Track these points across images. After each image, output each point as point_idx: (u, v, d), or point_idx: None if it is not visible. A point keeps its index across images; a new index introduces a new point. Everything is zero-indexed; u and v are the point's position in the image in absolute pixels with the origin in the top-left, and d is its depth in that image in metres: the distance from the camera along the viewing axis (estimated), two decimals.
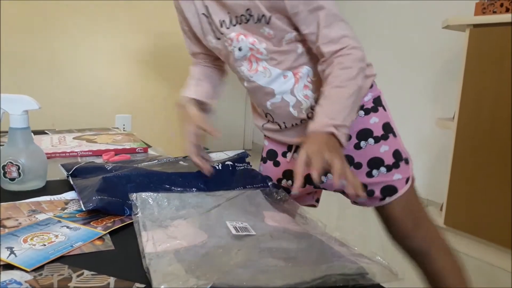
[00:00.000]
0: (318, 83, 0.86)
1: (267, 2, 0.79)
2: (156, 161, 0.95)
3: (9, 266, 0.52)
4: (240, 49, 0.86)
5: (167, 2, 2.35)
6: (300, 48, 0.85)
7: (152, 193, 0.71)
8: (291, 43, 0.84)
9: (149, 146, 1.22)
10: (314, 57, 0.85)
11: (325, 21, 0.78)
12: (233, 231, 0.63)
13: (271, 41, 0.83)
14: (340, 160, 0.67)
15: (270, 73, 0.86)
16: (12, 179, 0.81)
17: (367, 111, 0.92)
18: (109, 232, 0.63)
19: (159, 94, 2.44)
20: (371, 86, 0.94)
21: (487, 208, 1.81)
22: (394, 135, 0.94)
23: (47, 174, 0.87)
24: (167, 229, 0.62)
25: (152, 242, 0.57)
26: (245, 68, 0.88)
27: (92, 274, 0.51)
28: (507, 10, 1.66)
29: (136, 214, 0.66)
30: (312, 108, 0.88)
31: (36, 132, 1.15)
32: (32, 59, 2.09)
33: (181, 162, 0.95)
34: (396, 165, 0.92)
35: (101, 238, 0.61)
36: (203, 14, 0.87)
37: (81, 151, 1.12)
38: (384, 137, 0.92)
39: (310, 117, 0.88)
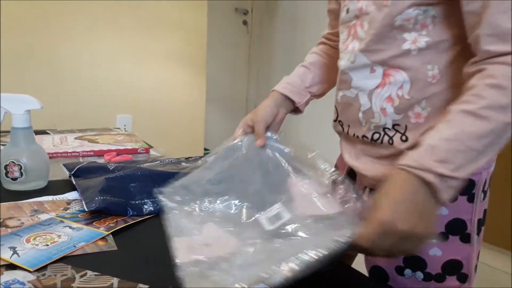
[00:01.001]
0: (408, 104, 0.65)
1: None
2: (159, 162, 0.95)
3: (12, 266, 0.52)
4: (347, 11, 0.70)
5: (168, 3, 2.35)
6: (415, 43, 0.62)
7: (174, 187, 0.67)
8: (409, 25, 0.61)
9: (151, 147, 1.22)
10: (422, 72, 0.63)
11: (501, 3, 0.52)
12: (266, 226, 0.61)
13: (383, 10, 0.62)
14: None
15: (355, 58, 0.67)
16: (14, 179, 0.81)
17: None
18: (112, 233, 0.63)
19: (159, 95, 2.45)
20: None
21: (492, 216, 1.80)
22: (467, 240, 0.68)
23: (49, 174, 0.87)
24: (199, 234, 0.59)
25: (185, 249, 0.54)
26: (342, 37, 0.72)
27: (96, 275, 0.51)
28: None
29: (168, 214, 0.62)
30: (384, 130, 0.68)
31: (38, 132, 1.15)
32: (33, 58, 2.09)
33: (183, 163, 0.94)
34: (440, 278, 0.68)
35: (104, 238, 0.61)
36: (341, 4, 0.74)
37: (83, 151, 1.12)
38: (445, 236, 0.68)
39: (375, 140, 0.69)
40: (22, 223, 0.65)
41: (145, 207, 0.71)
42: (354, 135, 0.73)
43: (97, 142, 1.23)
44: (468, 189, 0.67)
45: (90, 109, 2.24)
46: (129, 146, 1.20)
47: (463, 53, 0.62)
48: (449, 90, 0.64)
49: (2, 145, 1.05)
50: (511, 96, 0.52)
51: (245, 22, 3.60)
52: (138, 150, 1.18)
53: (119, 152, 1.14)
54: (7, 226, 0.63)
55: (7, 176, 0.81)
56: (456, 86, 0.63)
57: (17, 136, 0.83)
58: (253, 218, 0.64)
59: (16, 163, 0.81)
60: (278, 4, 3.43)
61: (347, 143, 0.77)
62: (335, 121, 0.78)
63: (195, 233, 0.59)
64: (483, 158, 0.53)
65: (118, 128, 1.61)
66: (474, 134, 0.52)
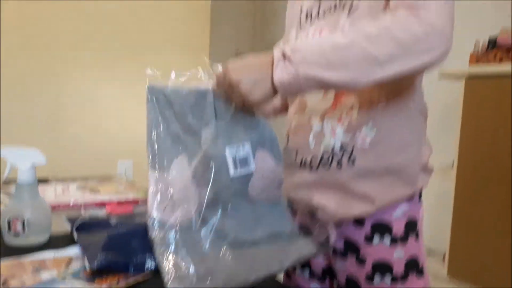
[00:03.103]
0: (356, 125, 0.72)
1: None
2: None
3: None
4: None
5: (169, 51, 2.42)
6: None
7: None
8: None
9: None
10: (369, 95, 0.71)
11: None
12: (231, 169, 0.67)
13: None
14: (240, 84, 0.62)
15: None
16: (17, 234, 0.82)
17: (394, 240, 0.74)
18: None
19: None
20: (412, 198, 0.75)
21: (491, 257, 1.79)
22: (416, 237, 0.77)
23: (51, 227, 0.87)
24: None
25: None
26: None
27: None
28: (501, 60, 1.71)
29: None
30: (332, 153, 0.73)
31: (40, 180, 1.16)
32: (37, 104, 2.13)
33: None
34: (404, 276, 0.75)
35: None
36: (300, 6, 0.82)
37: (84, 202, 1.12)
38: (404, 253, 0.75)
39: (324, 165, 0.74)
40: (24, 282, 0.65)
41: (147, 264, 0.71)
42: (301, 161, 0.77)
43: (99, 192, 1.24)
44: (411, 229, 0.75)
45: (92, 154, 2.27)
46: (131, 196, 1.21)
47: (411, 85, 0.71)
48: (394, 114, 0.71)
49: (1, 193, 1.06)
50: (383, 32, 0.57)
51: None
52: (139, 200, 1.19)
53: (120, 203, 1.14)
54: (8, 285, 0.63)
55: (9, 231, 0.82)
56: (402, 113, 0.71)
57: (22, 191, 0.84)
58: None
59: (20, 218, 0.82)
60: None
61: (289, 174, 0.80)
62: (286, 147, 0.83)
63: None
64: (329, 69, 0.58)
65: (120, 176, 1.62)
66: (331, 42, 0.59)
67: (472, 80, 1.79)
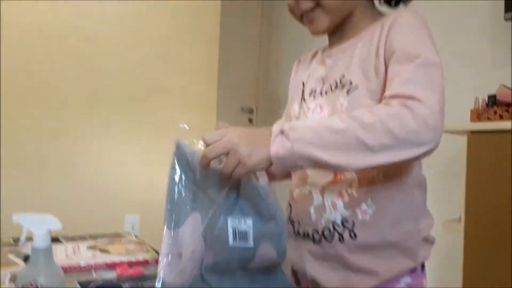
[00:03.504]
0: (356, 201, 0.74)
1: (362, 65, 0.74)
2: None
3: None
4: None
5: (177, 106, 2.50)
6: None
7: None
8: None
9: None
10: (368, 172, 0.73)
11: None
12: (231, 239, 0.68)
13: None
14: (239, 153, 0.62)
15: None
16: None
17: None
18: None
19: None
20: (415, 270, 0.77)
21: None
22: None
23: None
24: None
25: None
26: None
27: None
28: (501, 117, 1.75)
29: None
30: (334, 226, 0.75)
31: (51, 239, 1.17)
32: (45, 162, 2.18)
33: None
34: None
35: None
36: (302, 81, 0.88)
37: (95, 264, 1.14)
38: None
39: (326, 239, 0.76)
40: None
41: None
42: (303, 233, 0.80)
43: (109, 252, 1.25)
44: None
45: (100, 210, 2.29)
46: (141, 257, 1.22)
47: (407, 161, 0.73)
48: (392, 191, 0.74)
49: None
50: (377, 122, 0.60)
51: (250, 120, 3.77)
52: (149, 261, 1.20)
53: (130, 264, 1.15)
54: None
55: None
56: (400, 188, 0.75)
57: (37, 256, 0.86)
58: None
59: (34, 284, 0.83)
60: (280, 103, 3.62)
61: (292, 244, 0.82)
62: (289, 219, 0.85)
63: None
64: (323, 150, 0.62)
65: (128, 233, 1.64)
66: (328, 125, 0.63)
67: (474, 135, 1.83)
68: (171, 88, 2.50)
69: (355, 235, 0.74)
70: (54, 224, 0.89)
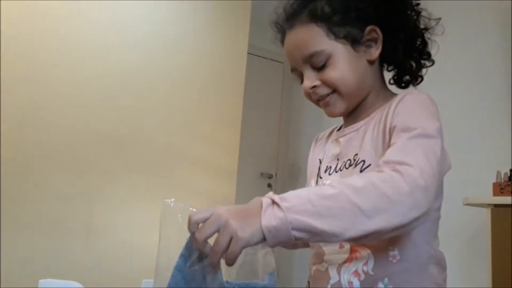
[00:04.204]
0: (372, 280, 0.73)
1: (374, 144, 0.76)
2: None
3: None
4: None
5: (200, 173, 2.54)
6: None
7: None
8: None
9: None
10: (384, 249, 0.73)
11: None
12: None
13: None
14: (229, 230, 0.57)
15: None
16: None
17: None
18: None
19: None
20: None
21: None
22: None
23: None
24: None
25: None
26: None
27: None
28: None
29: None
30: None
31: None
32: (68, 224, 2.21)
33: None
34: None
35: None
36: (319, 159, 0.89)
37: None
38: None
39: None
40: None
41: None
42: None
43: None
44: None
45: (117, 274, 2.27)
46: None
47: (423, 230, 0.73)
48: (410, 270, 0.73)
49: None
50: (368, 185, 0.60)
51: (269, 185, 3.79)
52: None
53: None
54: None
55: None
56: (417, 268, 0.73)
57: None
58: None
59: None
60: (299, 168, 3.65)
61: None
62: None
63: None
64: (318, 218, 0.58)
65: None
66: (319, 192, 0.60)
67: (498, 208, 1.81)
68: (192, 154, 2.55)
69: None
70: None
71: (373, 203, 0.60)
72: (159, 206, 2.30)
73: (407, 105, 0.75)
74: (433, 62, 0.85)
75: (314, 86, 0.80)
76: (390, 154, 0.67)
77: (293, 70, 0.84)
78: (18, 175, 2.07)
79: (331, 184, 0.63)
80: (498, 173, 1.83)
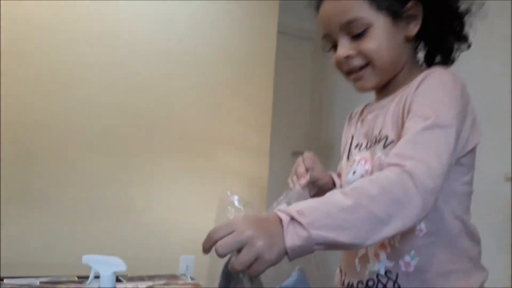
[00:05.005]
0: (399, 253, 0.75)
1: (396, 120, 0.77)
2: None
3: None
4: (354, 173, 0.83)
5: (236, 155, 2.58)
6: None
7: None
8: None
9: None
10: None
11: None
12: None
13: (377, 169, 0.77)
14: (255, 249, 0.55)
15: None
16: None
17: None
18: None
19: None
20: None
21: None
22: None
23: None
24: None
25: None
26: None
27: None
28: None
29: None
30: (378, 277, 0.76)
31: None
32: (110, 205, 2.30)
33: None
34: None
35: None
36: (351, 135, 0.91)
37: None
38: None
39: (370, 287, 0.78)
40: None
41: None
42: (349, 284, 0.81)
43: None
44: None
45: (156, 251, 2.37)
46: None
47: (452, 204, 0.74)
48: (437, 243, 0.74)
49: None
50: (382, 192, 0.60)
51: None
52: None
53: None
54: None
55: None
56: (446, 241, 0.74)
57: None
58: None
59: None
60: (331, 146, 3.63)
61: None
62: (340, 271, 0.86)
63: None
64: (339, 232, 0.58)
65: (184, 275, 1.69)
66: (336, 204, 0.60)
67: None
68: (225, 135, 2.59)
69: (399, 286, 0.75)
70: (119, 266, 0.96)
71: (388, 210, 0.60)
72: (196, 186, 2.38)
73: (428, 87, 0.74)
74: (469, 46, 0.83)
75: (348, 56, 0.79)
76: (402, 147, 0.67)
77: (326, 36, 0.83)
78: (52, 159, 2.15)
79: (345, 192, 0.62)
80: None
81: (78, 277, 1.49)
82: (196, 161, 2.50)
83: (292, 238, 0.58)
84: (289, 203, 0.77)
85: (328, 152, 3.71)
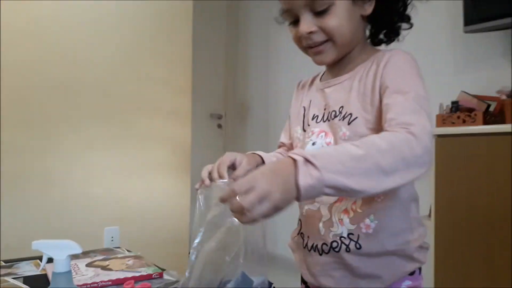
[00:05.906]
0: (360, 217, 0.84)
1: (361, 98, 0.83)
2: None
3: None
4: (313, 144, 0.89)
5: (158, 120, 2.51)
6: None
7: None
8: None
9: (163, 270, 1.28)
10: None
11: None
12: None
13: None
14: (258, 196, 0.59)
15: None
16: None
17: None
18: None
19: (145, 205, 2.51)
20: (413, 273, 0.88)
21: None
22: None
23: None
24: None
25: None
26: None
27: None
28: (464, 122, 1.91)
29: None
30: (341, 239, 0.85)
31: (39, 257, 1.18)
32: (29, 174, 2.14)
33: None
34: None
35: None
36: (303, 106, 0.96)
37: (101, 281, 1.16)
38: None
39: (335, 249, 0.86)
40: None
41: None
42: (312, 246, 0.89)
43: (110, 269, 1.28)
44: None
45: (79, 223, 2.28)
46: (143, 271, 1.26)
47: None
48: (393, 207, 0.84)
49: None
50: (391, 148, 0.66)
51: (219, 126, 3.81)
52: (153, 275, 1.23)
53: (136, 279, 1.19)
54: None
55: None
56: (400, 205, 0.85)
57: (58, 281, 0.89)
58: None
59: None
60: (247, 107, 3.69)
61: (302, 256, 0.93)
62: (298, 234, 0.94)
63: None
64: (349, 177, 0.63)
65: (119, 248, 1.65)
66: (347, 153, 0.65)
67: (441, 138, 1.98)
68: (147, 100, 2.51)
69: (360, 246, 0.84)
70: (74, 249, 0.91)
71: (394, 164, 0.66)
72: (117, 153, 2.28)
73: (397, 67, 0.81)
74: (411, 26, 0.92)
75: (311, 32, 0.83)
76: (398, 114, 0.74)
77: (287, 11, 0.85)
78: None
79: (356, 144, 0.66)
80: (441, 105, 1.98)
81: (5, 261, 1.39)
82: (117, 127, 2.40)
83: (305, 177, 0.61)
84: (208, 198, 0.84)
85: (244, 113, 3.77)
